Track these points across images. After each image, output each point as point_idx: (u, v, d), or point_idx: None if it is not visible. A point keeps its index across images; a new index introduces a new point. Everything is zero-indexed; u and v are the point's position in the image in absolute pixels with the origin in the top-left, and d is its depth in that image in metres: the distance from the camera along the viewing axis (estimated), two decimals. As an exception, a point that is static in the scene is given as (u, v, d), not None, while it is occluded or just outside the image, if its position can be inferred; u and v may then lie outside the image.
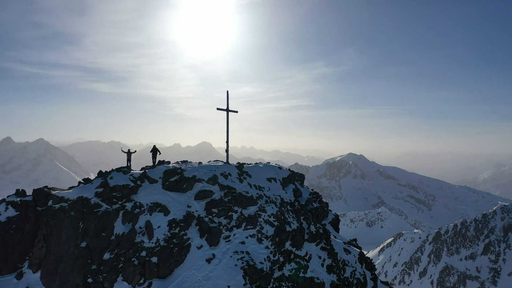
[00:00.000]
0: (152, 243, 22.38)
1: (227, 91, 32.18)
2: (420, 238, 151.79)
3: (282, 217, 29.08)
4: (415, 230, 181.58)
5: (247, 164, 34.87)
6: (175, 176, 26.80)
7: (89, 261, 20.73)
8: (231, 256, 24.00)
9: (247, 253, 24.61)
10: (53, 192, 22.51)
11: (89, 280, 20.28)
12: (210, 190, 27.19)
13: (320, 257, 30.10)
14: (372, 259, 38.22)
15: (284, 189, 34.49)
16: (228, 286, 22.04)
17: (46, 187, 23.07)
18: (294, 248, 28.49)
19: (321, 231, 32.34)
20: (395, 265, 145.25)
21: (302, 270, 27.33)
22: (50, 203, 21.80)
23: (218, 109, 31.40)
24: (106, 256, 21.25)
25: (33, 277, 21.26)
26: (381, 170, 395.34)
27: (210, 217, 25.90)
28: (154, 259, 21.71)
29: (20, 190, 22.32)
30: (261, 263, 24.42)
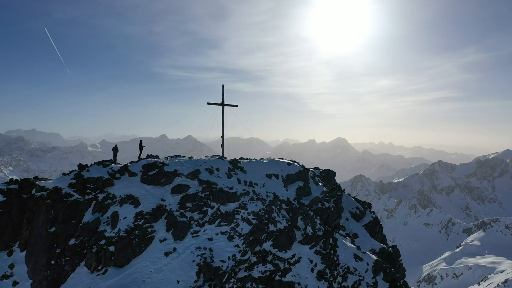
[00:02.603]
0: (113, 233, 23.52)
1: (223, 85, 31.78)
2: None
3: (266, 216, 27.47)
4: None
5: (248, 159, 33.87)
6: (155, 169, 27.62)
7: (55, 245, 22.88)
8: (192, 252, 23.70)
9: (210, 250, 23.97)
10: (37, 182, 25.47)
11: (52, 262, 22.38)
12: (186, 184, 27.27)
13: (311, 261, 27.54)
14: (394, 269, 33.19)
15: (286, 186, 32.49)
16: (178, 281, 21.84)
17: (36, 177, 26.22)
18: (276, 249, 26.64)
19: (320, 233, 29.53)
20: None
21: (280, 273, 25.44)
22: (33, 191, 24.72)
23: (209, 103, 31.11)
24: (72, 242, 23.15)
25: (20, 255, 24.44)
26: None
27: (182, 211, 25.97)
28: (111, 248, 22.76)
29: (14, 179, 25.88)
30: (222, 261, 23.48)
